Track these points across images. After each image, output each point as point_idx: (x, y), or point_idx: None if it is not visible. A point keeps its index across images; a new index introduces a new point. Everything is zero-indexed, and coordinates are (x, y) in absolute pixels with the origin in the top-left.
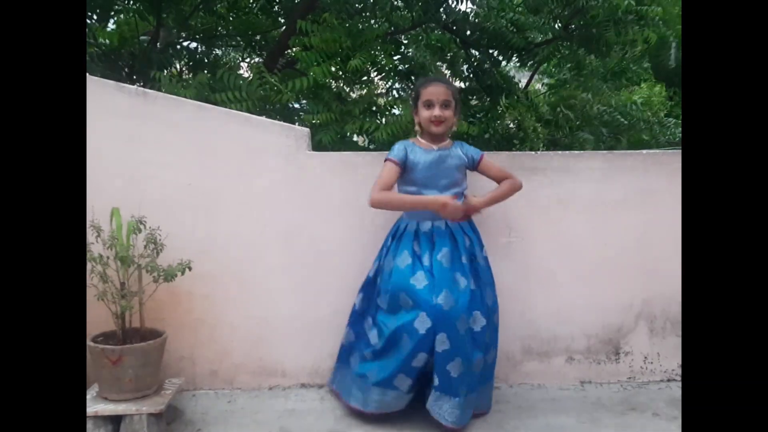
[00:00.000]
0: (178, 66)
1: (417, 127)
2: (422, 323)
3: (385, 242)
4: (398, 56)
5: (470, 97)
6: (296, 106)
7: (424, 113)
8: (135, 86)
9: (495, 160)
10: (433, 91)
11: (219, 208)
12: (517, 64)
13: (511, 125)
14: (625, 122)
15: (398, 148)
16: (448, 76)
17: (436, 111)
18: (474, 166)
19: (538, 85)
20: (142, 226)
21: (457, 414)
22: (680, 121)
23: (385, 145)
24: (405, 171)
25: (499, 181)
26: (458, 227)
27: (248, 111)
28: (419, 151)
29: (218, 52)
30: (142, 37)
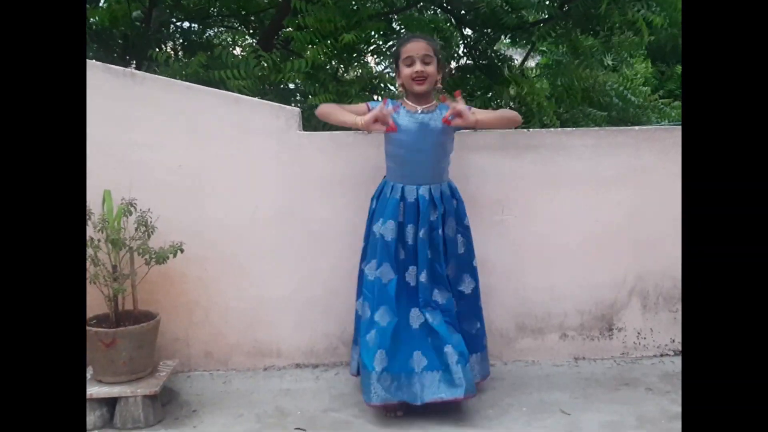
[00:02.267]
0: (172, 47)
1: (401, 89)
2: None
3: (370, 206)
4: (393, 35)
5: (468, 76)
6: (291, 86)
7: (406, 71)
8: (122, 68)
9: (486, 137)
10: (413, 48)
11: (210, 189)
12: (511, 43)
13: (512, 103)
14: (623, 106)
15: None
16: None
17: (417, 66)
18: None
19: (532, 63)
20: (132, 209)
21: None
22: (671, 101)
23: None
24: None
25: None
26: (439, 197)
27: (248, 90)
28: (403, 112)
29: (211, 32)
30: (135, 13)
